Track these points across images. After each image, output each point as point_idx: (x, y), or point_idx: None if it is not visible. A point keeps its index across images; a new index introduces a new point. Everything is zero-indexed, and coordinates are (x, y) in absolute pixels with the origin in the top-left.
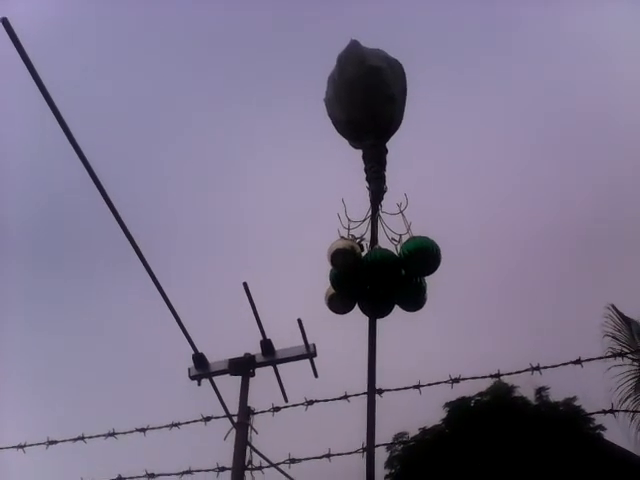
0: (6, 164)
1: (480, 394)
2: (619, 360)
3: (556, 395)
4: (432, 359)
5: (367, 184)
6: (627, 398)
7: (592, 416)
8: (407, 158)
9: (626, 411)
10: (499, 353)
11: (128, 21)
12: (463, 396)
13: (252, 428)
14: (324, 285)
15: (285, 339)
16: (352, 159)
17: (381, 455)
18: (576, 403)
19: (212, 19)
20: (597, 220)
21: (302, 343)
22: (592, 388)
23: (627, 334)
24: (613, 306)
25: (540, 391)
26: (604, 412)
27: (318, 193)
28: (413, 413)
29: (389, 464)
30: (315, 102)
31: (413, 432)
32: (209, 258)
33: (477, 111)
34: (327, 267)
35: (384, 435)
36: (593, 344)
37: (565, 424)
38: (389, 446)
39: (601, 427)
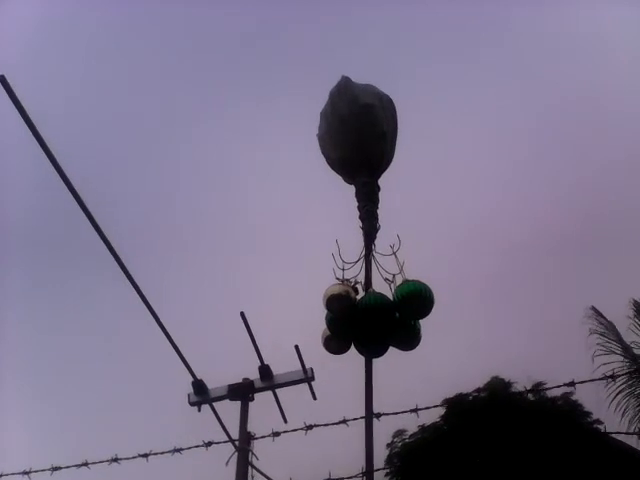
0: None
1: (477, 390)
2: (608, 358)
3: (553, 390)
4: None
5: (360, 223)
6: (618, 394)
7: (589, 410)
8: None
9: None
10: (491, 350)
11: (127, 21)
12: (461, 392)
13: (253, 454)
14: (322, 311)
15: (285, 360)
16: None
17: (381, 452)
18: (573, 398)
19: (211, 19)
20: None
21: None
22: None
23: (613, 332)
24: (594, 308)
25: (537, 386)
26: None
27: (317, 217)
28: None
29: (389, 461)
30: (312, 110)
31: (412, 429)
32: (207, 284)
33: (469, 109)
34: (324, 297)
35: (383, 432)
36: (578, 342)
37: (563, 418)
38: (389, 444)
39: (598, 421)
